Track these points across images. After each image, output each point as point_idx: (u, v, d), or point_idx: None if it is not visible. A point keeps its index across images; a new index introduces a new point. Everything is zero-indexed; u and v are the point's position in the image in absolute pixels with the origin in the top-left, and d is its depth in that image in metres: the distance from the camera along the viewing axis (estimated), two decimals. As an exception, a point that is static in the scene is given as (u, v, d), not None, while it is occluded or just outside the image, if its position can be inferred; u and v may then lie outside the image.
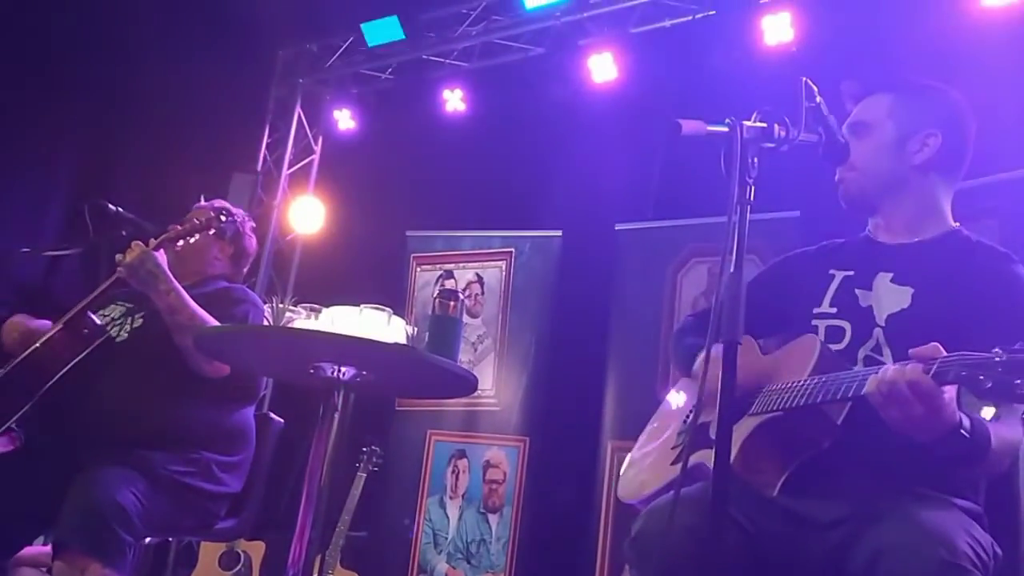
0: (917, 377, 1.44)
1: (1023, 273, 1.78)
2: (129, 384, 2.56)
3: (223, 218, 2.71)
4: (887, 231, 1.95)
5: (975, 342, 1.39)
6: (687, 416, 2.01)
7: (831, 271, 1.94)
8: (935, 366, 1.41)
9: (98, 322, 2.62)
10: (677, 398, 2.13)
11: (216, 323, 2.54)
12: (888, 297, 1.82)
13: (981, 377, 1.34)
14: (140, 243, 2.58)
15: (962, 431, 1.47)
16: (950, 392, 1.43)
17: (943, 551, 1.45)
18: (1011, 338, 1.34)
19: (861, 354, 1.79)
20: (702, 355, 1.93)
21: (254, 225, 3.05)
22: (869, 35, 4.22)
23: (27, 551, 2.85)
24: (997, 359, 1.33)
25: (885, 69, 2.08)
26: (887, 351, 1.76)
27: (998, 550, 1.61)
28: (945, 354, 1.42)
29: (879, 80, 2.00)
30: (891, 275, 1.85)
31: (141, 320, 2.70)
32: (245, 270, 3.05)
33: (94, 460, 2.37)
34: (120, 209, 2.88)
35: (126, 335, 2.67)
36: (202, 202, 2.93)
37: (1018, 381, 1.30)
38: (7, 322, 2.65)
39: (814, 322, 1.87)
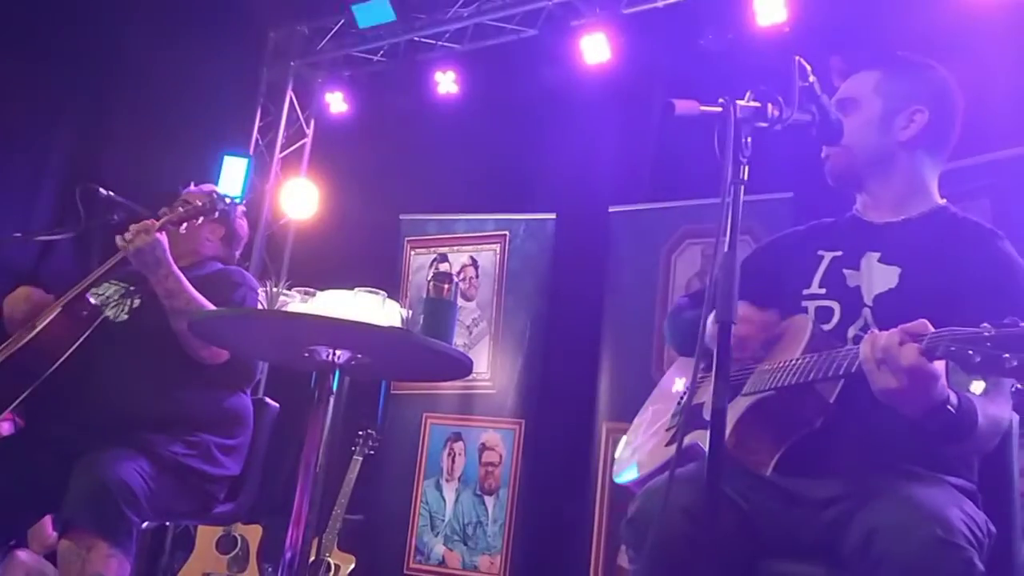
0: (901, 340, 1.44)
1: (1009, 250, 1.79)
2: (129, 366, 2.56)
3: (226, 201, 2.71)
4: (874, 208, 1.95)
5: (962, 320, 1.40)
6: (681, 398, 2.01)
7: (820, 252, 1.94)
8: (925, 341, 1.42)
9: (93, 302, 2.62)
10: (671, 381, 2.14)
11: (212, 307, 2.53)
12: (876, 277, 1.83)
13: (970, 352, 1.34)
14: (149, 224, 2.57)
15: (948, 407, 1.48)
16: (940, 367, 1.44)
17: (938, 529, 1.46)
18: (998, 315, 1.35)
19: (850, 333, 1.80)
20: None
21: (244, 209, 3.05)
22: (862, 14, 4.21)
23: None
24: (986, 334, 1.33)
25: (878, 47, 2.07)
26: (875, 331, 1.76)
27: (992, 528, 1.62)
28: (934, 330, 1.43)
29: (866, 57, 2.00)
30: (878, 255, 1.86)
31: (139, 301, 2.69)
32: (238, 253, 3.04)
33: (95, 443, 2.37)
34: (111, 193, 2.87)
35: (126, 316, 2.67)
36: (192, 187, 2.92)
37: (1007, 355, 1.31)
38: (13, 293, 2.64)
39: (804, 303, 1.88)
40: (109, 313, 2.65)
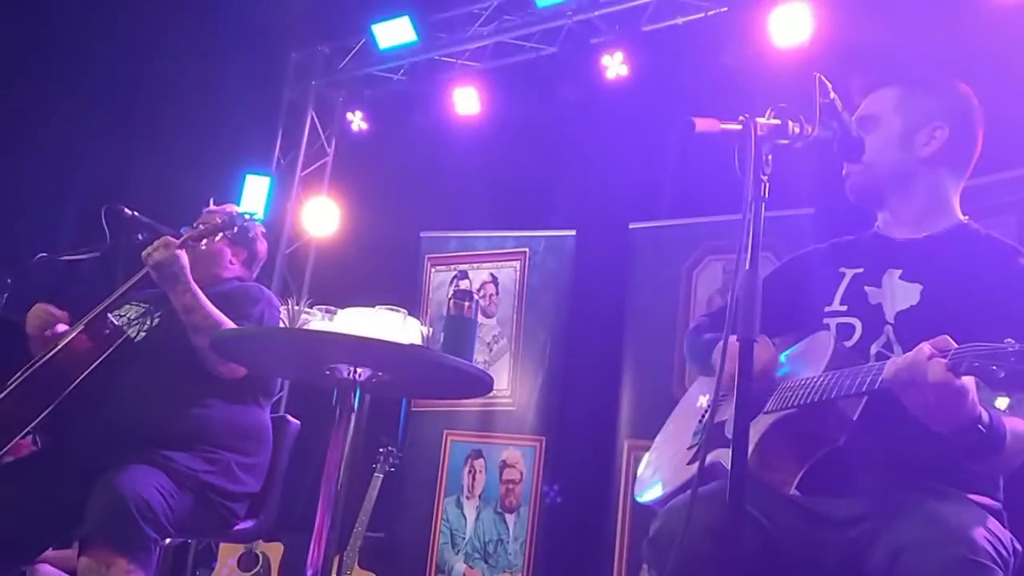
0: (931, 354, 1.43)
1: None
2: (148, 384, 2.58)
3: (244, 218, 2.73)
4: (896, 225, 1.95)
5: (984, 337, 1.39)
6: (703, 415, 2.00)
7: (841, 269, 1.94)
8: (949, 357, 1.41)
9: (116, 323, 2.64)
10: (693, 398, 2.13)
11: (231, 324, 2.55)
12: (897, 294, 1.82)
13: (994, 367, 1.34)
14: (170, 240, 2.60)
15: (980, 426, 1.47)
16: (968, 383, 1.43)
17: (963, 548, 1.44)
18: (1020, 332, 1.34)
19: (872, 350, 1.79)
20: (719, 347, 1.92)
21: (263, 229, 3.07)
22: (883, 30, 4.20)
23: (52, 553, 2.86)
24: (1011, 349, 1.33)
25: (898, 64, 2.07)
26: (897, 348, 1.76)
27: (1018, 546, 1.61)
28: (957, 346, 1.42)
29: (887, 74, 2.00)
30: (900, 272, 1.85)
31: (158, 320, 2.72)
32: (255, 273, 3.06)
33: (116, 461, 2.38)
34: (136, 213, 2.90)
35: (144, 335, 2.70)
36: (212, 205, 2.95)
37: None
38: (31, 310, 2.67)
39: (825, 320, 1.87)
40: (130, 332, 2.67)
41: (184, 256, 2.59)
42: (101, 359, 2.54)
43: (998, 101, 2.04)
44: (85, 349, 2.54)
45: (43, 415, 2.45)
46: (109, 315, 2.63)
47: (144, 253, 2.58)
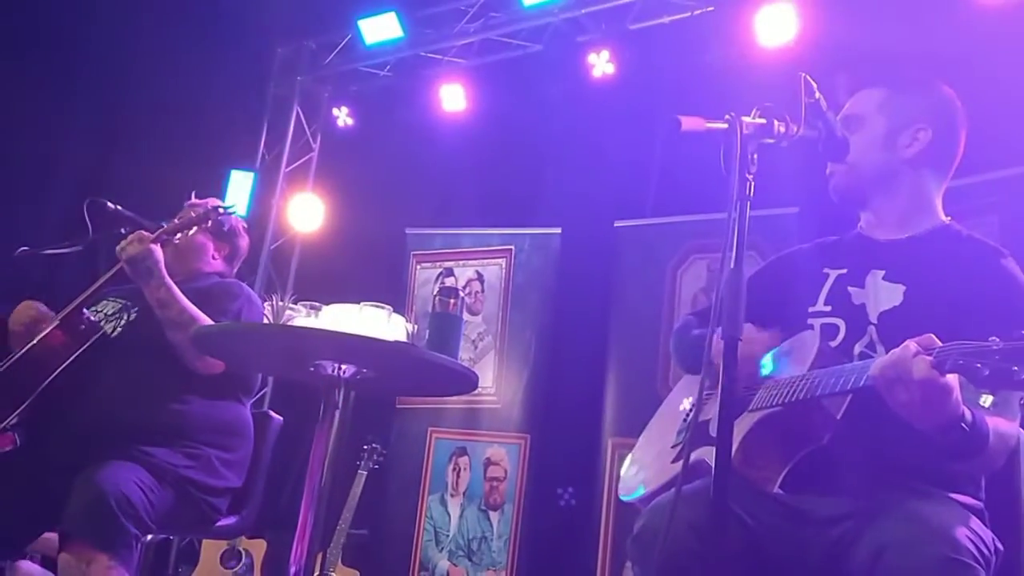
0: (916, 351, 1.44)
1: (1012, 268, 1.80)
2: (126, 379, 2.56)
3: (220, 211, 2.71)
4: (879, 226, 1.96)
5: (966, 337, 1.40)
6: (687, 414, 2.01)
7: (825, 269, 1.95)
8: (933, 355, 1.42)
9: (92, 318, 2.62)
10: (677, 398, 2.13)
11: (207, 319, 2.54)
12: (880, 295, 1.83)
13: (979, 365, 1.35)
14: (144, 234, 2.59)
15: (963, 424, 1.48)
16: (952, 381, 1.44)
17: (945, 547, 1.45)
18: (1002, 333, 1.35)
19: (856, 351, 1.80)
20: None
21: (245, 224, 3.07)
22: (868, 31, 4.22)
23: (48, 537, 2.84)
24: (995, 347, 1.34)
25: (883, 65, 2.08)
26: (880, 348, 1.77)
27: (999, 545, 1.61)
28: (941, 344, 1.43)
29: (871, 74, 2.01)
30: (883, 272, 1.86)
31: (135, 315, 2.70)
32: (236, 269, 3.05)
33: (95, 457, 2.37)
34: (119, 207, 2.88)
35: (121, 330, 2.68)
36: (193, 199, 2.93)
37: (1015, 368, 1.31)
38: (17, 308, 2.65)
39: (809, 320, 1.88)
40: (107, 328, 2.66)
41: (158, 251, 2.57)
42: (76, 355, 2.52)
43: (980, 102, 2.05)
44: (60, 344, 2.52)
45: (19, 411, 2.43)
46: (85, 310, 2.61)
47: (118, 248, 2.57)
